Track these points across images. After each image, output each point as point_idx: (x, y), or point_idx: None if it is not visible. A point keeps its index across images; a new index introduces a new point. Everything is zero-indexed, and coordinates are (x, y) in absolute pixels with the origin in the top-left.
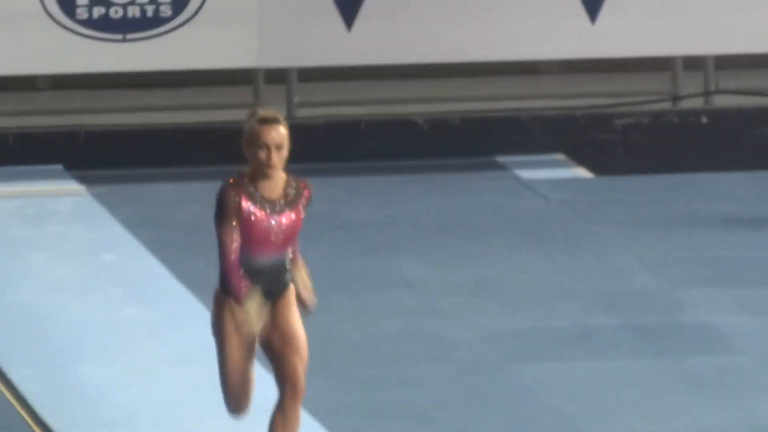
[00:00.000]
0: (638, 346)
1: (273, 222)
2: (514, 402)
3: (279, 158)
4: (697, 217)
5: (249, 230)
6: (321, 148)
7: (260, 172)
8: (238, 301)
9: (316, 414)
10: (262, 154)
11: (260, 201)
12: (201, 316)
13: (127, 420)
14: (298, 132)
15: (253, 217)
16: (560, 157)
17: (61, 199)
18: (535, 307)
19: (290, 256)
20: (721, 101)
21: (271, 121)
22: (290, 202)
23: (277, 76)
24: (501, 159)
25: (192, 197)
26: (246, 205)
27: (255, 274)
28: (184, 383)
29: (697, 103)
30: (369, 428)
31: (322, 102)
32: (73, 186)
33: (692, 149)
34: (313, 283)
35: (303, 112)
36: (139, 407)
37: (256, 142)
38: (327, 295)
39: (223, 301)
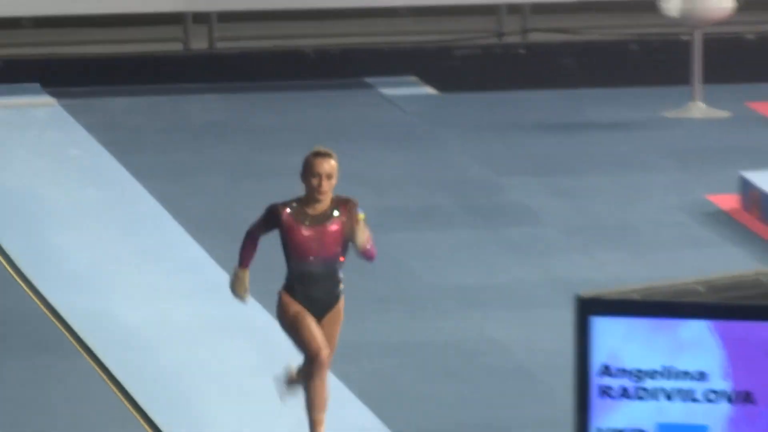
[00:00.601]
0: (469, 220)
1: (311, 233)
2: (377, 264)
3: (328, 185)
4: (517, 124)
5: (291, 240)
6: (235, 73)
7: (312, 196)
8: (241, 264)
9: None
10: (315, 181)
11: (302, 216)
12: (143, 196)
13: (85, 270)
14: (217, 60)
15: (292, 229)
16: (413, 78)
17: (37, 109)
18: (392, 190)
19: (340, 266)
20: (535, 37)
21: (323, 154)
22: (329, 216)
23: (202, 17)
24: (369, 80)
25: (137, 109)
26: (287, 218)
27: (307, 279)
28: (130, 246)
29: (517, 38)
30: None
31: (236, 37)
32: (47, 99)
33: (513, 73)
34: (226, 172)
35: (222, 45)
36: (93, 263)
37: (310, 171)
38: (238, 182)
39: (283, 297)
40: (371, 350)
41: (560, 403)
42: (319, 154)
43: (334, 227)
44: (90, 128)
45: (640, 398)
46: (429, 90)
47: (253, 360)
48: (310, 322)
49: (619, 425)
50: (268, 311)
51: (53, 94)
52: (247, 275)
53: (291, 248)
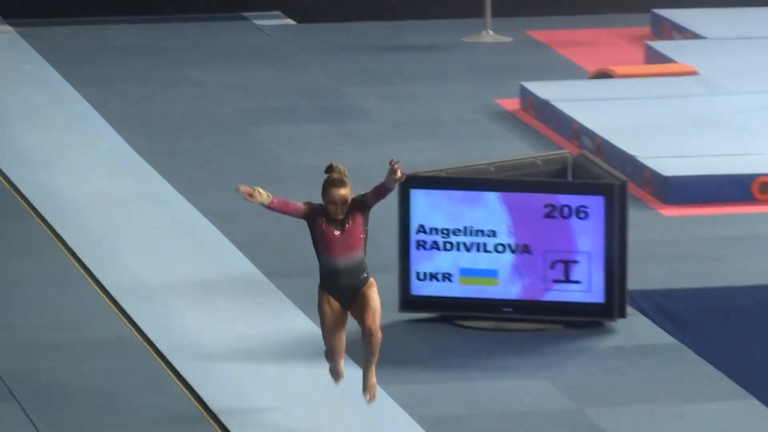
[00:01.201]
0: (319, 117)
1: (339, 236)
2: (252, 150)
3: (343, 208)
4: (356, 46)
5: (322, 242)
6: (146, 7)
7: (331, 212)
8: (274, 197)
9: None
10: (332, 208)
11: (332, 222)
12: (78, 99)
13: (36, 153)
14: None
15: (324, 233)
16: (279, 12)
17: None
18: (261, 94)
19: (364, 256)
20: None
21: (338, 183)
22: (348, 220)
23: None
24: (245, 14)
25: (75, 34)
26: (321, 223)
27: (336, 273)
28: (69, 136)
29: None
30: None
31: None
32: (6, 28)
33: (359, 7)
34: (140, 81)
35: None
36: (42, 148)
37: (328, 198)
38: (149, 88)
39: (319, 292)
40: (251, 215)
41: (389, 253)
42: (333, 183)
43: (356, 229)
44: (39, 50)
45: (447, 249)
46: (291, 21)
47: (165, 221)
48: (329, 325)
49: (432, 269)
50: (175, 189)
51: (11, 24)
52: (266, 199)
53: (322, 247)
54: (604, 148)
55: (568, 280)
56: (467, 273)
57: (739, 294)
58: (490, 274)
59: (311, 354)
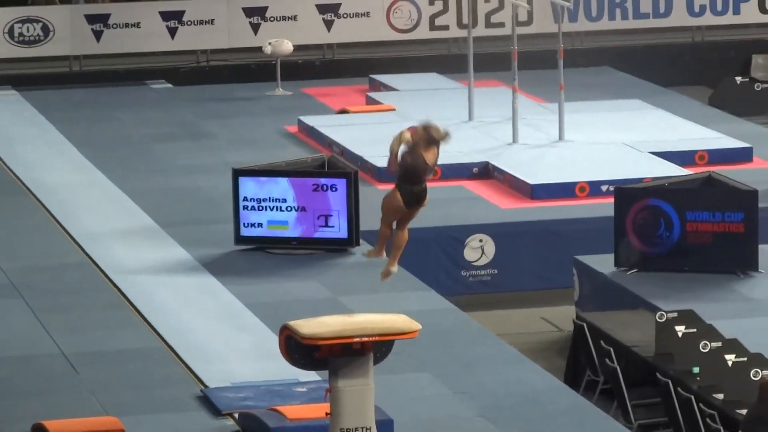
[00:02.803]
0: (188, 137)
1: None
2: (154, 155)
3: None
4: (209, 98)
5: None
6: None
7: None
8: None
9: None
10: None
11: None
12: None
13: None
14: None
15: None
16: (163, 80)
17: None
18: (154, 126)
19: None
20: None
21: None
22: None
23: None
24: (146, 81)
25: None
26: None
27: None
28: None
29: None
30: None
31: None
32: None
33: None
34: None
35: None
36: None
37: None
38: None
39: (396, 186)
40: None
41: (228, 212)
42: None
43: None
44: None
45: (260, 210)
46: (170, 85)
47: (101, 197)
48: (390, 211)
49: (252, 221)
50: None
51: None
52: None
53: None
54: (345, 152)
55: (327, 226)
56: (271, 222)
57: (419, 231)
58: (284, 223)
59: (184, 270)
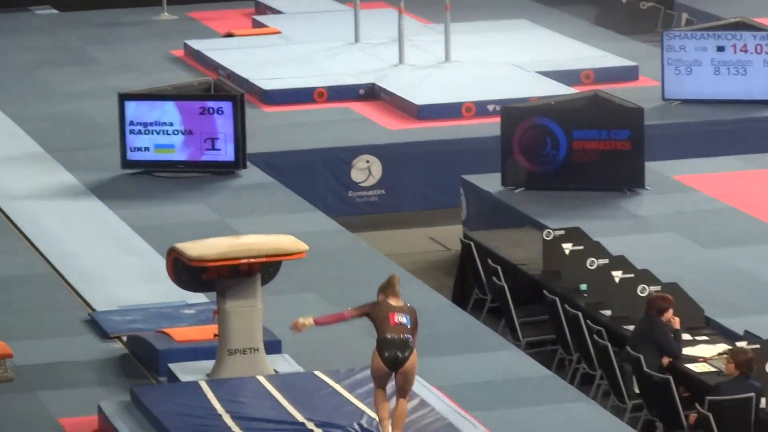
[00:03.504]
0: (72, 61)
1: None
2: (39, 79)
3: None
4: (98, 23)
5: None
6: None
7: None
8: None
9: None
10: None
11: (389, 305)
12: None
13: None
14: None
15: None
16: (49, 6)
17: None
18: (39, 52)
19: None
20: None
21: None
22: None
23: None
24: (30, 8)
25: None
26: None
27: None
28: None
29: None
30: None
31: None
32: None
33: None
34: None
35: None
36: None
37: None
38: None
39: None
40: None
41: (115, 136)
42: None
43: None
44: None
45: (147, 134)
46: (56, 11)
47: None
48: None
49: (138, 145)
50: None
51: None
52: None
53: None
54: (232, 75)
55: (214, 149)
56: (158, 146)
57: (306, 153)
58: (170, 146)
59: (72, 195)
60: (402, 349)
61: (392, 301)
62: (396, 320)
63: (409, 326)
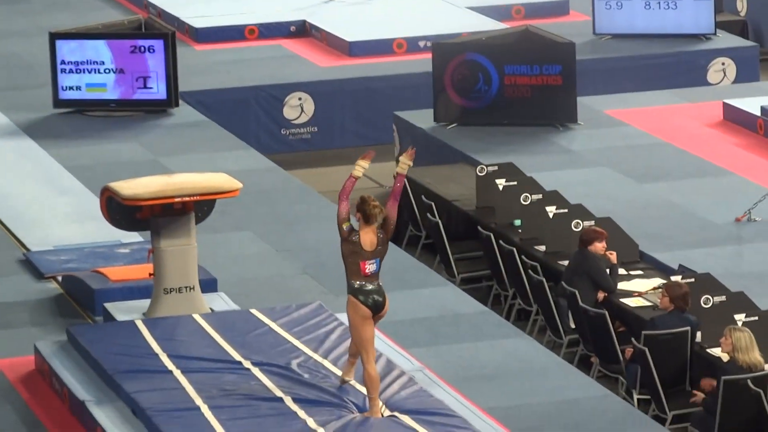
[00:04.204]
0: None
1: (369, 259)
2: None
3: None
4: None
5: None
6: None
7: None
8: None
9: None
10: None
11: (361, 249)
12: None
13: None
14: None
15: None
16: None
17: None
18: None
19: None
20: None
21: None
22: (381, 241)
23: None
24: None
25: None
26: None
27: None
28: None
29: None
30: None
31: None
32: None
33: None
34: None
35: None
36: None
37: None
38: None
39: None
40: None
41: (47, 75)
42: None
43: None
44: None
45: (78, 72)
46: None
47: None
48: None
49: (70, 84)
50: None
51: None
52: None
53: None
54: (162, 14)
55: (146, 87)
56: (90, 85)
57: (239, 90)
58: (102, 85)
59: (3, 135)
60: (378, 293)
61: (366, 235)
62: (367, 270)
63: (378, 272)
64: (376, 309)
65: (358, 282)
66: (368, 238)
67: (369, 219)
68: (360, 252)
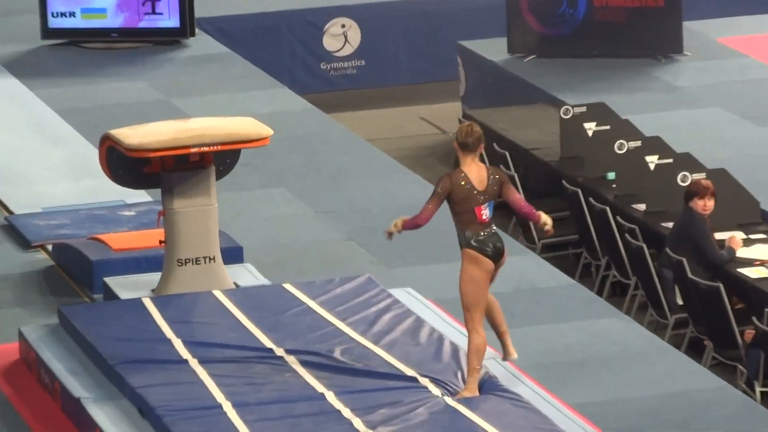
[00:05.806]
0: None
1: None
2: None
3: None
4: None
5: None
6: None
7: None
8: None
9: None
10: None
11: (473, 190)
12: None
13: None
14: None
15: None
16: None
17: None
18: None
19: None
20: None
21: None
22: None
23: None
24: None
25: None
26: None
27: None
28: None
29: None
30: None
31: None
32: None
33: None
34: None
35: None
36: None
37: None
38: None
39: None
40: None
41: (30, 1)
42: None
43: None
44: None
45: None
46: None
47: None
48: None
49: (62, 9)
50: None
51: None
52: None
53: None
54: None
55: (154, 12)
56: (86, 11)
57: (268, 16)
58: (101, 11)
59: None
60: (497, 237)
61: (473, 172)
62: (483, 216)
63: (491, 215)
64: (498, 256)
65: (474, 232)
66: (476, 172)
67: (468, 147)
68: (472, 195)
